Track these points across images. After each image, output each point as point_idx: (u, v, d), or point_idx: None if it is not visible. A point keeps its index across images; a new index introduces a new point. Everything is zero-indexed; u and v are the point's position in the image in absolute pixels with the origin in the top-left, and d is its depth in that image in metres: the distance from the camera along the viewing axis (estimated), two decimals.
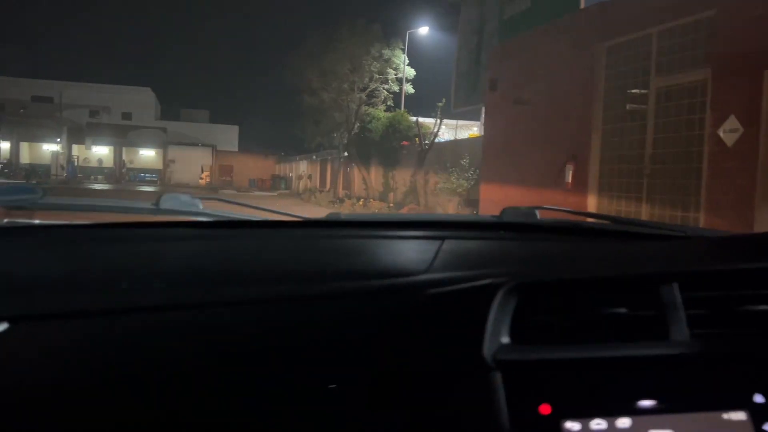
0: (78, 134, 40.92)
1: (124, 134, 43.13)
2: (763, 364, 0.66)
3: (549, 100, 7.30)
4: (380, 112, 22.53)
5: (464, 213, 13.90)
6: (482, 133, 20.22)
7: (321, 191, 27.93)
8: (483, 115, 21.62)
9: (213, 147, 44.90)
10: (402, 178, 19.37)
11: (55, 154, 39.23)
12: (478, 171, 13.98)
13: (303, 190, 32.64)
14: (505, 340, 0.67)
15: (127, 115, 45.71)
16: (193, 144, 44.31)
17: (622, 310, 0.71)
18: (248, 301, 0.74)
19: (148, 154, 45.24)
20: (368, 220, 1.36)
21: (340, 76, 23.52)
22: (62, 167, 37.70)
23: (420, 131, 17.26)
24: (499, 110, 8.40)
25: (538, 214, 1.25)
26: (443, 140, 17.95)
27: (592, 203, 6.56)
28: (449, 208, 15.04)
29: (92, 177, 40.51)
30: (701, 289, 0.73)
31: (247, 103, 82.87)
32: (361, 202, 18.45)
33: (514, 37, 7.97)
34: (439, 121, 17.15)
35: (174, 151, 43.94)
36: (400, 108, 23.00)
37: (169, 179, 42.78)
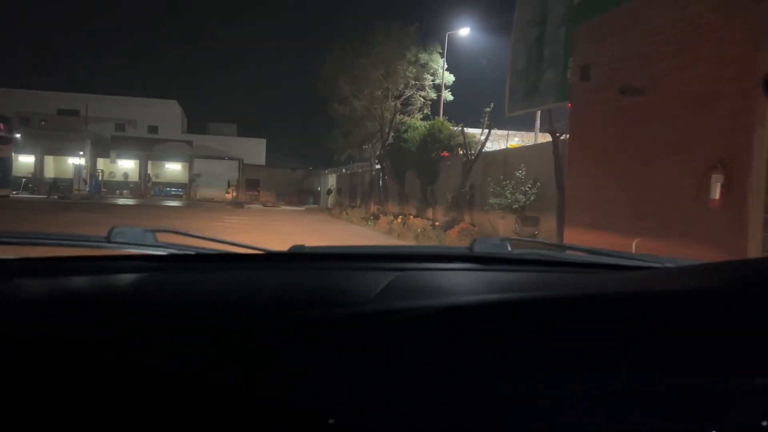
0: (103, 147, 40.19)
1: (149, 147, 42.37)
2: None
3: (676, 86, 5.40)
4: (417, 121, 20.77)
5: (526, 231, 11.97)
6: (523, 144, 18.35)
7: (352, 206, 26.17)
8: (538, 121, 19.68)
9: (240, 160, 43.82)
10: (443, 192, 17.49)
11: (78, 168, 38.39)
12: (538, 184, 12.04)
13: (332, 205, 30.97)
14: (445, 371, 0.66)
15: (153, 129, 45.07)
16: (220, 157, 43.35)
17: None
18: (191, 331, 0.73)
19: (174, 168, 44.44)
20: (330, 253, 1.30)
21: (372, 82, 21.87)
22: (85, 181, 36.80)
23: (466, 140, 15.38)
24: (593, 105, 6.49)
25: (510, 245, 1.27)
26: (489, 150, 16.04)
27: (755, 227, 4.59)
28: (501, 225, 13.09)
29: (117, 191, 39.74)
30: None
31: (275, 115, 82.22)
32: (399, 219, 16.59)
33: (616, 9, 6.11)
34: (487, 129, 15.23)
35: (200, 165, 43.04)
36: (437, 116, 21.19)
37: (195, 193, 41.82)
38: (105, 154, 40.59)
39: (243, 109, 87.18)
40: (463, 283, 1.04)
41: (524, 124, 20.29)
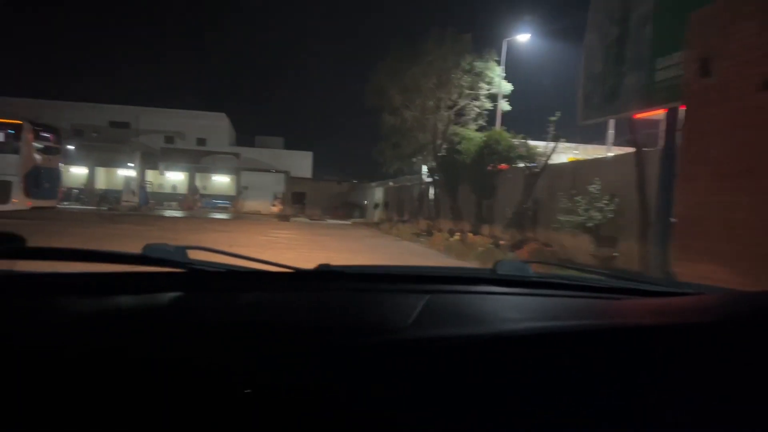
0: (152, 159, 40.49)
1: (198, 160, 42.52)
2: None
3: None
4: (471, 132, 19.67)
5: (602, 252, 10.73)
6: (585, 157, 16.97)
7: (401, 221, 25.17)
8: (612, 131, 18.33)
9: (286, 173, 43.52)
10: (501, 207, 16.33)
11: (127, 180, 38.72)
12: (616, 200, 10.80)
13: (380, 220, 30.08)
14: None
15: (201, 141, 45.27)
16: (266, 170, 43.17)
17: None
18: (224, 355, 0.74)
19: (221, 180, 44.51)
20: (358, 273, 1.28)
21: (424, 92, 20.92)
22: (134, 193, 37.00)
23: (529, 152, 14.22)
24: (717, 106, 5.32)
25: (531, 268, 1.25)
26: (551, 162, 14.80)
27: None
28: (572, 245, 11.86)
29: (165, 203, 39.90)
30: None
31: (322, 127, 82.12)
32: (457, 236, 15.47)
33: None
34: (554, 140, 14.04)
35: (247, 177, 42.95)
36: (493, 127, 20.06)
37: (241, 206, 41.70)
38: (154, 166, 40.88)
39: (290, 122, 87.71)
40: (495, 309, 1.04)
41: (591, 136, 18.98)
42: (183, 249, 1.11)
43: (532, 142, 16.06)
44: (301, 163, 47.20)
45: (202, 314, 0.94)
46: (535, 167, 14.19)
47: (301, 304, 1.04)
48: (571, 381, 0.68)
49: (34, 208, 18.35)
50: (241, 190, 42.95)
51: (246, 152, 44.82)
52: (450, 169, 19.72)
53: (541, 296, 1.14)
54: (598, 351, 0.73)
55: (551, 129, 14.13)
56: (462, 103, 21.23)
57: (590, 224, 11.06)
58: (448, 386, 0.67)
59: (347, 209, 40.34)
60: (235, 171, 43.32)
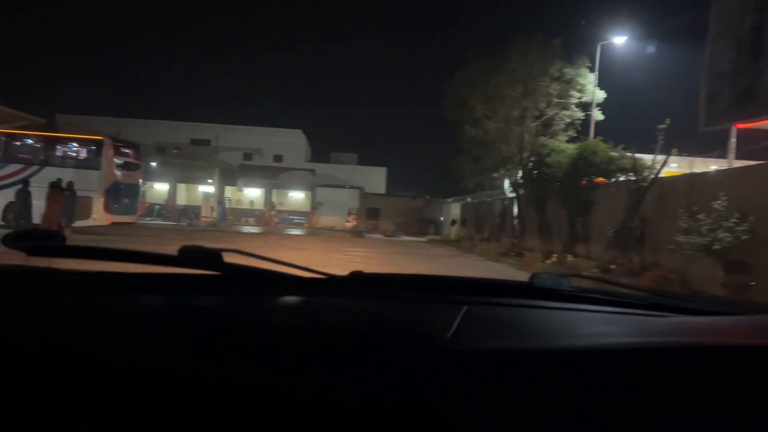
0: (231, 176, 41.11)
1: (274, 176, 42.84)
2: None
3: None
4: (562, 144, 18.17)
5: (734, 280, 9.09)
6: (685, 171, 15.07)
7: (482, 239, 23.79)
8: (733, 139, 16.38)
9: (360, 189, 43.08)
10: (599, 225, 14.75)
11: (206, 196, 39.42)
12: (752, 219, 9.15)
13: (457, 237, 28.80)
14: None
15: (278, 158, 45.71)
16: (341, 186, 42.95)
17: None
18: (269, 361, 0.75)
19: (297, 197, 44.68)
20: (393, 280, 1.30)
21: (509, 102, 19.63)
22: (212, 209, 37.55)
23: (637, 164, 12.67)
24: None
25: (569, 282, 1.22)
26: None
27: None
28: (697, 269, 10.23)
29: (243, 219, 40.34)
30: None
31: (397, 142, 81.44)
32: (554, 258, 14.03)
33: None
34: (664, 150, 12.42)
35: (322, 193, 42.89)
36: (585, 137, 18.49)
37: (316, 222, 41.58)
38: (232, 182, 41.47)
39: (364, 138, 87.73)
40: (537, 322, 1.02)
41: (716, 143, 17.04)
42: (218, 252, 1.09)
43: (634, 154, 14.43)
44: (375, 179, 46.73)
45: (235, 317, 0.94)
46: (642, 181, 12.59)
47: (335, 309, 1.03)
48: (617, 400, 0.67)
49: (113, 224, 18.39)
50: (315, 206, 42.88)
51: (321, 168, 44.83)
52: (538, 184, 18.27)
53: (583, 311, 1.11)
54: (641, 369, 0.73)
55: (660, 138, 12.51)
56: (550, 112, 19.80)
57: (717, 246, 9.44)
58: (489, 401, 0.66)
59: (422, 226, 39.28)
60: (311, 187, 43.34)
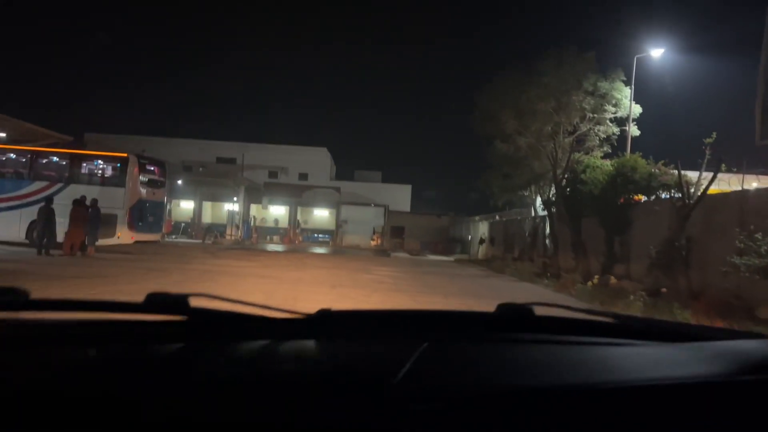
0: (256, 194, 41.06)
1: (299, 194, 42.70)
2: None
3: None
4: (597, 160, 17.48)
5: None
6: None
7: (513, 259, 23.05)
8: None
9: (385, 207, 42.65)
10: (639, 245, 14.00)
11: (231, 214, 39.37)
12: None
13: (485, 256, 28.07)
14: None
15: (303, 176, 45.61)
16: (365, 204, 42.59)
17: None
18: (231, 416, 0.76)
19: (321, 215, 44.45)
20: (359, 316, 1.30)
21: (541, 116, 19.01)
22: (237, 227, 37.44)
23: (682, 180, 11.95)
24: None
25: (536, 310, 1.21)
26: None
27: None
28: (758, 292, 9.44)
29: (267, 237, 40.20)
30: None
31: (421, 160, 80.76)
32: (594, 280, 13.30)
33: None
34: (713, 166, 11.69)
35: (347, 211, 42.58)
36: (621, 153, 17.77)
37: (341, 240, 41.22)
38: (258, 200, 41.41)
39: (388, 155, 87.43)
40: (499, 357, 1.02)
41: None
42: (185, 297, 1.10)
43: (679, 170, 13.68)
44: (400, 197, 46.30)
45: (199, 366, 0.95)
46: (687, 198, 11.86)
47: (296, 354, 1.04)
48: None
49: (137, 242, 18.16)
50: (340, 224, 42.54)
51: (345, 186, 44.60)
52: (572, 201, 17.55)
53: (549, 343, 1.09)
54: (603, 406, 0.73)
55: (707, 153, 11.80)
56: (584, 127, 19.13)
57: None
58: None
59: (448, 244, 38.61)
60: (335, 205, 43.08)
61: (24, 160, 18.55)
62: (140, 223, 18.05)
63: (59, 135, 21.83)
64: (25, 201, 17.26)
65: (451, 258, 31.08)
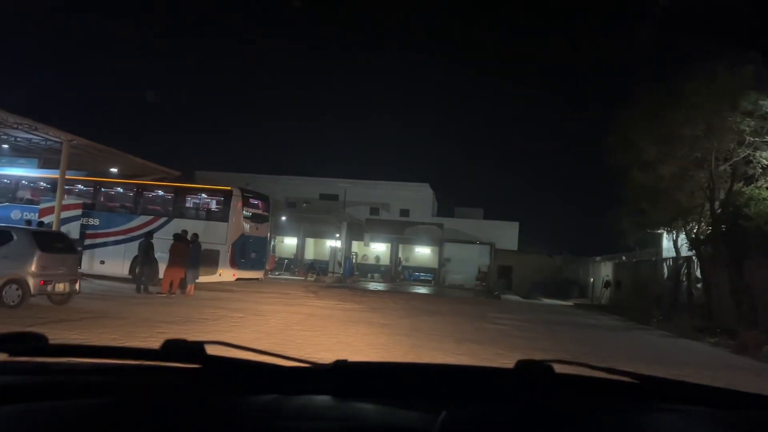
0: (357, 230, 40.21)
1: (401, 231, 41.41)
2: None
3: None
4: (763, 191, 14.59)
5: None
6: None
7: (648, 307, 20.00)
8: None
9: (491, 245, 40.26)
10: None
11: (333, 250, 38.64)
12: None
13: (612, 302, 25.02)
14: None
15: (405, 212, 44.31)
16: (471, 242, 40.44)
17: None
18: None
19: (423, 252, 42.82)
20: (374, 369, 1.25)
21: (688, 141, 16.35)
22: (339, 264, 36.55)
23: None
24: None
25: (555, 367, 1.17)
26: None
27: None
28: None
29: (369, 274, 39.06)
30: None
31: (528, 196, 76.89)
32: None
33: None
34: None
35: (450, 249, 40.65)
36: None
37: (444, 279, 39.23)
38: (359, 237, 40.51)
39: (491, 191, 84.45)
40: (521, 419, 1.03)
41: None
42: (201, 344, 1.10)
43: None
44: (506, 234, 43.63)
45: (207, 422, 0.95)
46: None
47: (309, 414, 1.03)
48: None
49: (239, 280, 17.21)
50: (443, 262, 40.58)
51: (447, 223, 42.75)
52: (732, 240, 14.70)
53: (570, 404, 1.10)
54: None
55: None
56: (741, 153, 16.22)
57: None
58: None
59: (564, 287, 35.42)
60: (438, 242, 41.25)
61: (128, 193, 18.37)
62: (242, 260, 17.11)
63: (168, 170, 21.79)
64: (129, 236, 16.88)
65: (569, 302, 28.18)
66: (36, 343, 1.05)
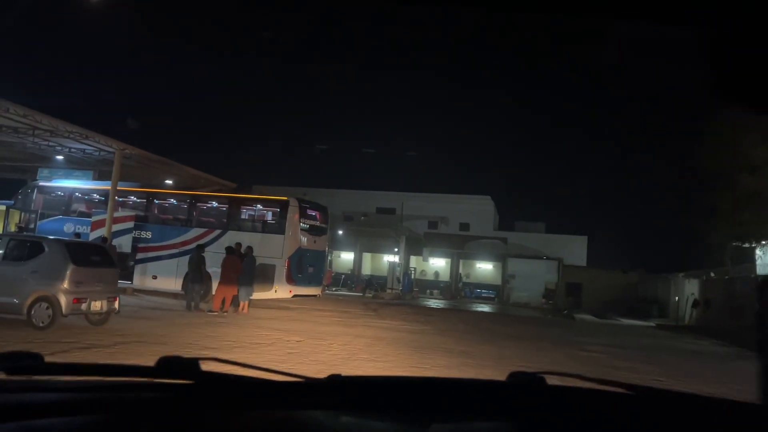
0: (416, 245, 38.78)
1: (461, 245, 39.76)
2: None
3: None
4: None
5: None
6: None
7: (747, 327, 17.66)
8: None
9: (559, 260, 37.98)
10: None
11: (392, 266, 37.27)
12: None
13: (700, 323, 22.57)
14: None
15: (464, 226, 42.61)
16: (536, 257, 38.27)
17: None
18: None
19: (485, 268, 40.91)
20: (368, 383, 1.28)
21: None
22: (398, 280, 35.16)
23: None
24: None
25: (547, 379, 1.19)
26: None
27: None
28: None
29: (428, 291, 37.54)
30: None
31: (597, 208, 72.98)
32: None
33: None
34: None
35: (514, 265, 38.53)
36: None
37: (508, 297, 37.19)
38: (417, 252, 39.08)
39: (554, 203, 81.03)
40: None
41: None
42: (196, 360, 1.10)
43: None
44: (573, 249, 41.23)
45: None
46: None
47: (303, 427, 1.03)
48: None
49: (296, 296, 16.03)
50: (507, 278, 38.54)
51: (509, 237, 40.75)
52: None
53: (562, 414, 1.08)
54: None
55: None
56: None
57: None
58: None
59: (639, 305, 32.80)
60: (501, 258, 39.27)
61: (181, 205, 17.58)
62: (300, 275, 15.95)
63: (223, 181, 21.09)
64: (182, 249, 15.98)
65: (650, 323, 25.77)
66: (31, 362, 1.06)
